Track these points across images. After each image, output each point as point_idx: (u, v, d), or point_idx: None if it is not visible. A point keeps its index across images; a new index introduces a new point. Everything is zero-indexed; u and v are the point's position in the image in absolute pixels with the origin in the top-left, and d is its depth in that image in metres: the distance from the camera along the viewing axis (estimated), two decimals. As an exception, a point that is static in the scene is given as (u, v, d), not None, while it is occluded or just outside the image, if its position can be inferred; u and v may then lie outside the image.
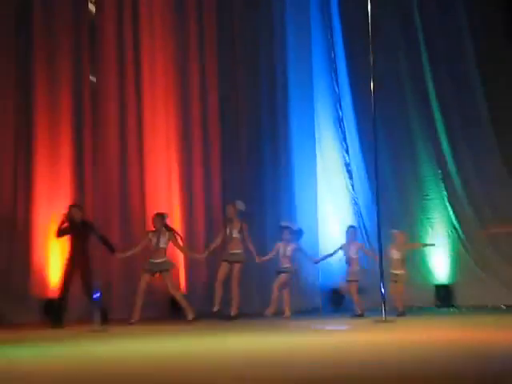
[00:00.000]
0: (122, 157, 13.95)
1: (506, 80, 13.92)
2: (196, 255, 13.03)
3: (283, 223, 12.87)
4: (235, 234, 12.57)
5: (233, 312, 12.32)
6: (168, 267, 12.57)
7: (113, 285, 13.18)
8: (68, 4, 13.88)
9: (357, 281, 12.42)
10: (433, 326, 11.46)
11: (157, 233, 12.53)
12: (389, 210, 12.86)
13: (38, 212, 13.44)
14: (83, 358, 8.79)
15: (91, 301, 12.09)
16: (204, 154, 14.14)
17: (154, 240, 12.51)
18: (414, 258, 13.47)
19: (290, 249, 12.65)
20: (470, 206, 13.98)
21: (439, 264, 13.92)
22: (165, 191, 14.18)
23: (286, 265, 12.64)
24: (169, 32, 14.20)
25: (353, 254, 12.52)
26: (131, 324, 12.13)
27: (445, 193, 14.14)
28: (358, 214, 14.32)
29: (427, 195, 14.16)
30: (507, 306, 13.10)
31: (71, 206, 12.66)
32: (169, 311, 13.34)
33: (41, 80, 13.75)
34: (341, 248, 12.59)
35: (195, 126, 14.15)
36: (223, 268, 12.45)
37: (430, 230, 14.01)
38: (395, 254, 12.23)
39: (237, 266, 12.42)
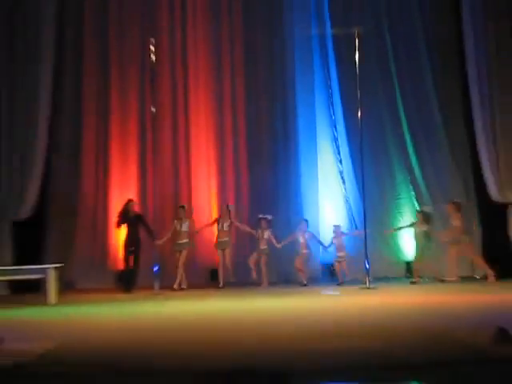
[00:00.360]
0: (174, 168, 14.67)
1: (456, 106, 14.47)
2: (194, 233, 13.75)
3: (261, 215, 13.78)
4: (225, 228, 13.70)
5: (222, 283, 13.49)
6: (187, 246, 13.57)
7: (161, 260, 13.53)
8: (136, 55, 14.56)
9: (302, 256, 13.48)
10: (404, 292, 12.16)
11: (180, 221, 13.50)
12: (371, 206, 13.43)
13: (112, 204, 14.37)
14: (149, 314, 10.23)
15: (137, 270, 13.36)
16: (234, 164, 14.77)
17: (178, 226, 13.52)
18: (389, 240, 14.29)
19: (266, 234, 13.65)
20: (431, 202, 14.31)
21: (408, 245, 14.25)
22: (205, 192, 14.77)
23: (263, 246, 13.71)
24: (209, 75, 14.75)
25: (303, 239, 13.58)
26: (176, 289, 13.18)
27: (413, 193, 14.52)
28: (349, 208, 14.56)
29: (399, 195, 14.53)
30: (463, 278, 13.35)
31: (128, 201, 13.59)
32: (207, 279, 14.30)
33: (115, 110, 14.63)
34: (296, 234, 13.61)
35: (228, 146, 14.73)
36: (220, 254, 13.68)
37: (401, 220, 14.37)
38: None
39: (227, 251, 13.66)
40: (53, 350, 6.76)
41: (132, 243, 13.44)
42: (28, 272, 12.40)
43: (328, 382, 5.03)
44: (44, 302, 11.63)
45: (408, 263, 14.33)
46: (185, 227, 13.58)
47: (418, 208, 14.20)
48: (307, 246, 13.69)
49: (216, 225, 13.88)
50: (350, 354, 6.12)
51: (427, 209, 13.93)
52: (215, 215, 14.40)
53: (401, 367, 5.46)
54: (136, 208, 13.78)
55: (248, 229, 13.96)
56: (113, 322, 9.45)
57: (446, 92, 14.60)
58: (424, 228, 13.48)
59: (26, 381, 5.60)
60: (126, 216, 13.52)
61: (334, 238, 13.74)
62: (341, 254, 13.59)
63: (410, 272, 14.13)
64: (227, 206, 13.95)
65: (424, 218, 13.56)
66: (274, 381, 5.14)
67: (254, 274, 13.64)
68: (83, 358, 6.30)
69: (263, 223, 13.78)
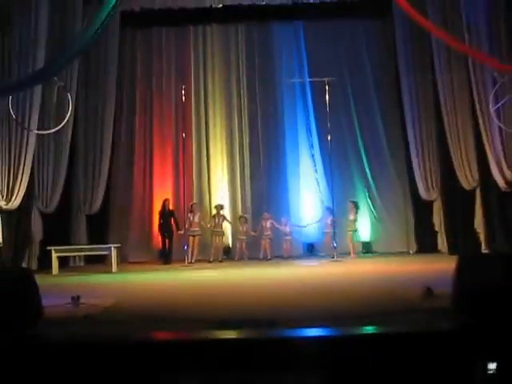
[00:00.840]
0: (197, 176, 14.56)
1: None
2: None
3: (241, 214, 13.91)
4: (196, 220, 13.30)
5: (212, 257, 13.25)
6: (198, 233, 13.44)
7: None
8: (171, 98, 14.62)
9: (270, 238, 13.41)
10: (362, 263, 12.13)
11: (192, 213, 13.34)
12: (338, 202, 13.20)
13: (154, 201, 14.38)
14: (182, 279, 10.37)
15: (171, 249, 13.25)
16: (241, 175, 14.56)
17: (191, 218, 13.32)
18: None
19: (245, 227, 13.55)
20: (379, 200, 14.36)
21: (364, 229, 14.21)
22: (217, 193, 14.60)
23: (242, 236, 13.57)
24: (222, 112, 14.66)
25: (267, 224, 13.47)
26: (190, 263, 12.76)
27: (367, 194, 14.41)
28: (323, 204, 14.10)
29: (357, 195, 14.31)
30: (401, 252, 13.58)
31: (165, 200, 13.59)
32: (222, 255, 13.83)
33: (157, 135, 14.72)
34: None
35: (236, 161, 14.55)
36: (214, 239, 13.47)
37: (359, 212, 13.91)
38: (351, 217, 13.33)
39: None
40: (115, 304, 6.85)
41: (167, 230, 13.39)
42: (98, 249, 12.74)
43: (305, 327, 5.00)
44: (108, 271, 11.70)
45: (364, 242, 14.22)
46: (196, 218, 13.42)
47: (351, 199, 13.86)
48: (271, 230, 13.59)
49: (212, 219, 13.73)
50: (320, 307, 6.16)
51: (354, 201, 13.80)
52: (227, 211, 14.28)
53: (359, 316, 5.49)
54: (170, 205, 13.67)
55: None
56: (155, 285, 9.57)
57: (388, 123, 14.50)
58: (352, 216, 13.48)
59: (96, 325, 5.63)
60: (163, 211, 13.48)
61: (325, 218, 13.56)
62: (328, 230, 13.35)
63: (365, 248, 14.11)
64: (220, 205, 13.76)
65: (353, 208, 13.51)
66: (270, 325, 5.11)
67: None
68: (135, 309, 6.35)
69: (242, 220, 13.74)
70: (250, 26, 14.73)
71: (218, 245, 13.64)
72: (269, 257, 13.43)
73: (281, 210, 14.13)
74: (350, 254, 13.28)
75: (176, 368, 4.38)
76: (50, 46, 11.97)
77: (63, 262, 12.48)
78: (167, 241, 13.45)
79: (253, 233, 13.74)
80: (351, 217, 13.51)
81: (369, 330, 4.82)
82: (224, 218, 13.74)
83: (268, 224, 13.65)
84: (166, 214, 13.47)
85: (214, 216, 13.69)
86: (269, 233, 13.62)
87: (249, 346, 4.50)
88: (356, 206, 13.62)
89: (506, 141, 11.28)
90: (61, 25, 12.65)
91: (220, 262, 13.30)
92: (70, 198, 13.83)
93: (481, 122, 11.57)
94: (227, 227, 14.20)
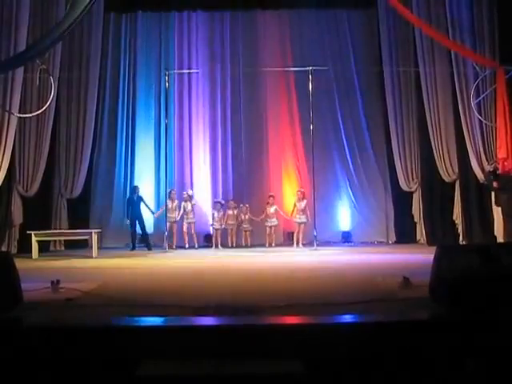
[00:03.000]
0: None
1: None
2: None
3: (215, 200, 13.66)
4: (174, 208, 13.32)
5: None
6: (193, 221, 13.54)
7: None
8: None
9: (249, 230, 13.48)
10: (340, 252, 11.84)
11: (187, 203, 13.42)
12: (320, 193, 13.38)
13: (136, 184, 13.90)
14: (163, 265, 10.55)
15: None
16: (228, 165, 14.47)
17: (187, 207, 13.43)
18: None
19: (220, 214, 13.33)
20: (359, 190, 14.35)
21: (343, 218, 14.38)
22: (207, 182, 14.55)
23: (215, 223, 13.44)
24: (210, 101, 14.59)
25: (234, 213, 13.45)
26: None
27: (350, 191, 14.38)
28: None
29: (340, 187, 14.43)
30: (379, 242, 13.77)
31: (134, 187, 13.36)
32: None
33: (139, 122, 14.54)
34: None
35: (224, 152, 14.45)
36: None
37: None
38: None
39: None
40: (95, 289, 6.81)
41: (138, 217, 13.15)
42: (78, 234, 12.60)
43: (283, 315, 5.02)
44: (89, 256, 11.64)
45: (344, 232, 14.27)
46: (189, 207, 13.45)
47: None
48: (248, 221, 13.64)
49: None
50: (299, 295, 6.16)
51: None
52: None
53: (336, 304, 5.48)
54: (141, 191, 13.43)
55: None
56: (135, 270, 9.50)
57: (371, 113, 14.51)
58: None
59: (76, 310, 5.61)
60: (131, 198, 13.28)
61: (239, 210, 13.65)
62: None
63: (344, 238, 14.14)
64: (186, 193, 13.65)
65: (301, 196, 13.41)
66: (248, 312, 5.09)
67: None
68: (115, 294, 6.30)
69: (218, 205, 13.59)
70: (235, 13, 14.60)
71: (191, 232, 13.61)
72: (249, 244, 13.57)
73: (262, 199, 14.05)
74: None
75: (155, 353, 4.39)
76: (31, 28, 11.84)
77: (43, 247, 12.40)
78: (139, 227, 13.21)
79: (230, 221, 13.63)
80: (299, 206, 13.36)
81: (347, 318, 4.84)
82: (193, 206, 13.64)
83: (246, 216, 13.68)
84: (135, 200, 13.18)
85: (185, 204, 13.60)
86: (247, 225, 13.70)
87: (227, 332, 4.53)
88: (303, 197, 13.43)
89: (486, 134, 11.41)
90: (43, 7, 12.48)
91: (196, 249, 13.33)
92: (51, 182, 13.66)
93: (462, 114, 11.66)
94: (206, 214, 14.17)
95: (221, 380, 4.09)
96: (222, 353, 4.34)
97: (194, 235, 13.56)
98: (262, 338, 4.41)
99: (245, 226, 13.71)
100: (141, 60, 14.58)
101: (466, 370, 4.26)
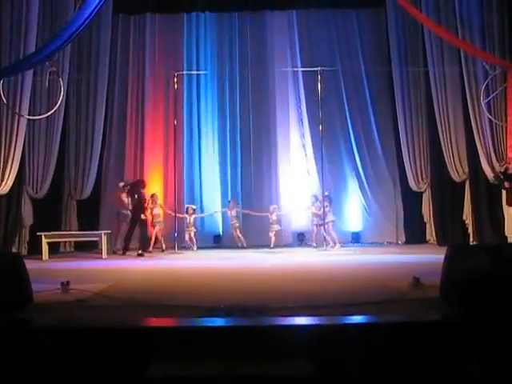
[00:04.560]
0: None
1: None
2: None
3: (187, 205, 13.51)
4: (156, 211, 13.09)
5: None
6: (194, 231, 13.35)
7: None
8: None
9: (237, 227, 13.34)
10: (350, 253, 11.96)
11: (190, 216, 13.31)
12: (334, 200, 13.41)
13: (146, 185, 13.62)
14: (172, 266, 10.68)
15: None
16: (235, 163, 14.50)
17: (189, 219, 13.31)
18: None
19: (192, 218, 13.22)
20: (369, 190, 14.25)
21: (353, 218, 14.33)
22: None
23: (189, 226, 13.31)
24: (218, 101, 14.60)
25: (233, 213, 13.43)
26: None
27: (359, 192, 14.28)
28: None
29: (346, 187, 14.38)
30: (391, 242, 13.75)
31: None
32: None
33: (150, 125, 14.52)
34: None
35: (232, 150, 14.46)
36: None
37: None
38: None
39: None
40: (105, 290, 6.80)
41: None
42: (88, 236, 12.65)
43: (293, 316, 5.00)
44: (99, 257, 11.69)
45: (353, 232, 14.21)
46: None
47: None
48: (236, 219, 13.60)
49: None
50: (309, 296, 6.14)
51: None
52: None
53: (347, 305, 5.46)
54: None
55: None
56: (145, 271, 9.54)
57: (380, 113, 14.44)
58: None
59: (86, 311, 5.61)
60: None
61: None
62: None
63: (354, 238, 14.07)
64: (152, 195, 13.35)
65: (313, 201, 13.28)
66: (258, 313, 5.07)
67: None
68: (125, 295, 6.30)
69: (190, 209, 13.45)
70: (244, 14, 14.59)
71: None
72: (244, 245, 13.38)
73: (270, 199, 14.07)
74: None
75: (165, 354, 4.38)
76: (41, 30, 11.90)
77: (53, 248, 12.42)
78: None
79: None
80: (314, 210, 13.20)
81: (357, 319, 4.81)
82: (160, 206, 13.47)
83: (233, 213, 13.62)
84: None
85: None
86: (234, 221, 13.59)
87: (238, 333, 4.52)
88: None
89: (496, 134, 11.34)
90: (52, 9, 12.52)
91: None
92: (60, 184, 13.69)
93: (471, 114, 11.61)
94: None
95: (231, 381, 4.08)
96: (232, 354, 4.32)
97: (194, 239, 13.40)
98: (272, 340, 4.39)
99: (273, 226, 13.46)
100: (149, 61, 14.56)
101: (473, 372, 4.23)
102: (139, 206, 12.67)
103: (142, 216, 12.61)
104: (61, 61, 12.35)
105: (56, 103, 11.17)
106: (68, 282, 6.65)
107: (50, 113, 11.37)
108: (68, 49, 12.41)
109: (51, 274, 8.39)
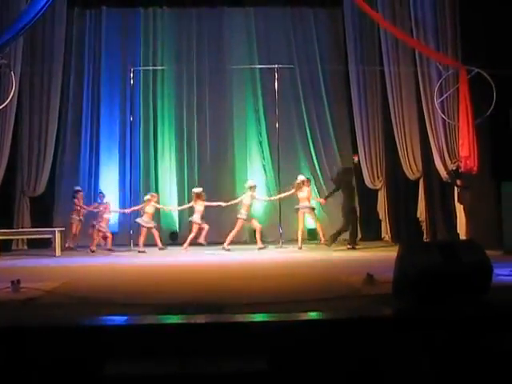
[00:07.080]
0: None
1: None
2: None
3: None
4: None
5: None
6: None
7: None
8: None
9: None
10: (306, 250, 11.96)
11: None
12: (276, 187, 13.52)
13: (101, 181, 14.13)
14: (127, 264, 10.69)
15: None
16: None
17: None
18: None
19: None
20: (325, 188, 14.20)
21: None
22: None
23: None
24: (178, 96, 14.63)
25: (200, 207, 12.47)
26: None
27: (315, 190, 14.31)
28: (268, 190, 14.19)
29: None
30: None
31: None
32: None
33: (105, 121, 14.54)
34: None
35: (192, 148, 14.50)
36: None
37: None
38: None
39: None
40: (57, 288, 6.68)
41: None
42: (41, 233, 12.40)
43: (249, 312, 5.02)
44: (51, 255, 11.48)
45: (310, 230, 14.10)
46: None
47: None
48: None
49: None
50: (264, 293, 6.16)
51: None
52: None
53: (301, 301, 5.48)
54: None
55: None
56: (99, 269, 9.39)
57: (336, 112, 14.62)
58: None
59: (37, 309, 5.51)
60: None
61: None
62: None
63: (311, 237, 13.98)
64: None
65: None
66: (215, 310, 5.06)
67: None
68: (78, 293, 6.19)
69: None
70: (201, 10, 14.53)
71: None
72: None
73: (228, 196, 13.77)
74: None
75: (119, 353, 4.34)
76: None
77: (5, 246, 12.18)
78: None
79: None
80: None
81: (311, 315, 4.84)
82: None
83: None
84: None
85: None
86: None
87: (191, 330, 4.51)
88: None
89: (449, 133, 11.57)
90: (3, 0, 12.19)
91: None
92: (12, 180, 13.40)
93: (426, 113, 11.74)
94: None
95: (185, 379, 4.07)
96: (186, 351, 4.31)
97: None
98: (226, 336, 4.40)
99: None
100: (105, 56, 14.43)
101: (422, 368, 4.29)
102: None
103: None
104: (13, 54, 12.06)
105: (7, 97, 10.90)
106: (19, 281, 6.49)
107: (1, 107, 11.11)
108: (20, 42, 12.15)
109: (2, 273, 8.18)
